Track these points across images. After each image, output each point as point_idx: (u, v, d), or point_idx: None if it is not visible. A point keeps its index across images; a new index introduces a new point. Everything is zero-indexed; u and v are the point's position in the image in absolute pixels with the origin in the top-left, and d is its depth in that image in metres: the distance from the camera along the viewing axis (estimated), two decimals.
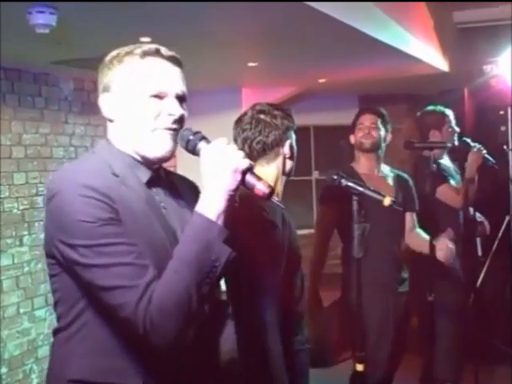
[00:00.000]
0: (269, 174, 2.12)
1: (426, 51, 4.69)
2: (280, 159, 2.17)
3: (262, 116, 2.16)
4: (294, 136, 2.20)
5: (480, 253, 4.36)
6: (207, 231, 1.30)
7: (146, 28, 3.10)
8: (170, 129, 1.44)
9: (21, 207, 4.08)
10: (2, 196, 3.95)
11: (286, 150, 2.16)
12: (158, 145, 1.45)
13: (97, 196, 1.33)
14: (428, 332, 3.47)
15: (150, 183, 1.48)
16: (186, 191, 1.60)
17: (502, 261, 4.25)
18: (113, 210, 1.33)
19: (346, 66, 4.77)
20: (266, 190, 1.35)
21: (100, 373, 1.40)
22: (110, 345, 1.39)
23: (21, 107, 4.09)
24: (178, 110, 1.45)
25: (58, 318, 1.46)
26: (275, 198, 2.04)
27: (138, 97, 1.44)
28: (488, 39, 4.65)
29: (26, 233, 4.11)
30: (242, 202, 1.70)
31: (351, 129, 3.21)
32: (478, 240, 4.35)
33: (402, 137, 3.45)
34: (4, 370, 3.93)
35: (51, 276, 1.46)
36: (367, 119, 3.16)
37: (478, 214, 3.79)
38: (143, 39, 3.20)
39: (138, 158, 1.48)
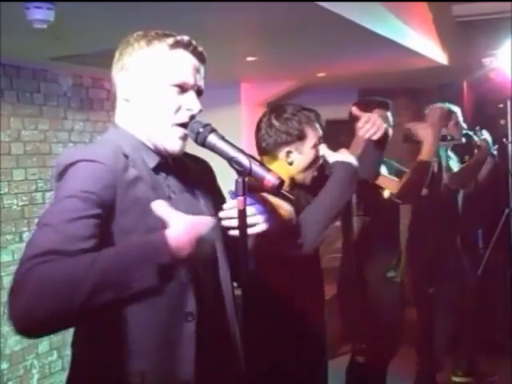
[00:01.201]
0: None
1: (425, 44, 4.68)
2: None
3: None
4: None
5: (481, 244, 4.37)
6: (153, 253, 1.20)
7: (144, 23, 3.09)
8: (185, 125, 1.44)
9: (20, 203, 4.08)
10: (2, 192, 3.95)
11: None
12: (172, 141, 1.46)
13: (107, 170, 1.33)
14: (426, 323, 3.49)
15: (158, 168, 1.48)
16: (199, 172, 1.60)
17: (503, 253, 4.26)
18: (112, 187, 1.33)
19: (345, 60, 4.76)
20: (276, 182, 1.35)
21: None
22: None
23: (19, 103, 4.09)
24: (197, 106, 1.46)
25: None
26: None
27: (160, 84, 1.44)
28: (487, 32, 4.64)
29: (25, 229, 4.11)
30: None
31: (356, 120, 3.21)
32: (479, 231, 4.37)
33: (401, 130, 3.44)
34: (5, 365, 3.93)
35: None
36: (388, 116, 3.19)
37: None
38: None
39: (149, 144, 1.48)
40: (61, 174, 1.36)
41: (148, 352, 1.39)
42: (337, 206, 2.05)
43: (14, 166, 4.05)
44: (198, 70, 1.49)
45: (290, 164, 2.22)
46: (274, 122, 2.22)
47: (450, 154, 3.95)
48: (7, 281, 3.97)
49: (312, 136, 2.21)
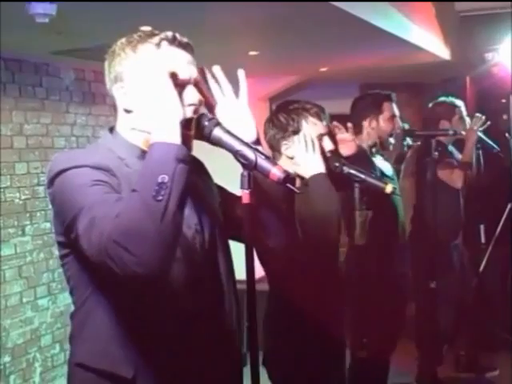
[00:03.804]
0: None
1: (428, 39, 4.67)
2: None
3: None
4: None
5: (483, 239, 4.37)
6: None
7: (146, 17, 3.08)
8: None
9: (22, 197, 4.09)
10: (4, 186, 3.96)
11: None
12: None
13: (101, 173, 1.34)
14: (427, 318, 3.49)
15: None
16: (195, 169, 1.59)
17: (505, 248, 4.26)
18: (112, 178, 1.35)
19: (347, 55, 4.75)
20: (282, 175, 1.34)
21: (94, 358, 1.41)
22: (109, 333, 1.40)
23: (22, 97, 4.09)
24: (196, 98, 1.44)
25: (74, 304, 1.50)
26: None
27: (158, 87, 1.40)
28: (490, 27, 4.63)
29: (27, 222, 4.11)
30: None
31: (371, 111, 3.22)
32: (482, 227, 4.36)
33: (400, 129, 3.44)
34: (7, 358, 3.95)
35: (63, 265, 1.48)
36: (394, 109, 3.22)
37: None
38: (143, 29, 3.19)
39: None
40: (51, 181, 1.37)
41: (149, 350, 1.39)
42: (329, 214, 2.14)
43: (17, 160, 4.05)
44: (189, 62, 1.47)
45: (291, 158, 2.24)
46: (274, 117, 2.30)
47: (452, 148, 3.94)
48: (9, 274, 3.98)
49: (308, 130, 2.23)
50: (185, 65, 1.45)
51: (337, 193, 2.17)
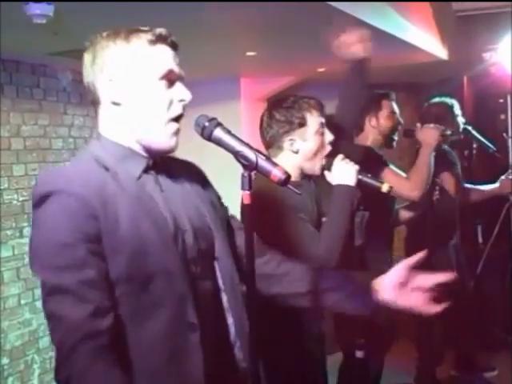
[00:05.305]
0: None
1: (425, 39, 4.67)
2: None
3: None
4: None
5: (480, 239, 4.37)
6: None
7: (143, 18, 3.08)
8: (178, 118, 1.44)
9: (20, 199, 4.08)
10: (2, 187, 3.95)
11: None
12: (166, 139, 1.44)
13: (79, 204, 1.31)
14: (426, 318, 3.48)
15: (148, 169, 1.46)
16: (190, 175, 1.58)
17: (502, 247, 4.26)
18: (93, 218, 1.32)
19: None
20: (282, 176, 1.35)
21: None
22: None
23: (19, 98, 4.08)
24: (187, 95, 1.45)
25: None
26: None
27: (149, 80, 1.41)
28: (487, 26, 4.63)
29: (25, 224, 4.10)
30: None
31: (370, 109, 3.23)
32: (479, 227, 4.36)
33: (401, 125, 3.45)
34: (6, 360, 3.94)
35: None
36: (393, 106, 3.24)
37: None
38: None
39: (136, 149, 1.46)
40: (36, 205, 1.35)
41: (155, 367, 1.37)
42: (343, 225, 2.18)
43: (14, 162, 4.05)
44: (175, 60, 1.48)
45: (296, 153, 2.25)
46: (275, 113, 2.28)
47: (449, 149, 3.93)
48: (7, 276, 3.97)
49: (313, 122, 2.25)
50: (174, 61, 1.47)
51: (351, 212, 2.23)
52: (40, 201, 1.34)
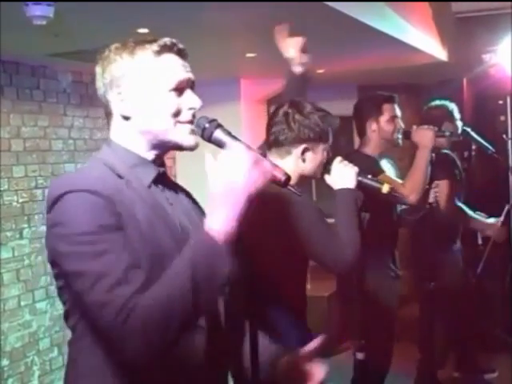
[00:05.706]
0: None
1: (425, 41, 4.67)
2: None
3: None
4: None
5: (480, 241, 4.36)
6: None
7: (143, 19, 3.09)
8: (190, 122, 1.43)
9: (20, 200, 4.08)
10: (2, 189, 3.95)
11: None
12: (184, 136, 1.44)
13: (100, 200, 1.29)
14: (427, 320, 3.48)
15: (156, 181, 1.46)
16: (187, 194, 1.59)
17: (502, 249, 4.26)
18: (115, 214, 1.30)
19: (345, 56, 4.75)
20: (282, 178, 1.35)
21: None
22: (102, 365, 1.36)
23: (19, 100, 4.08)
24: (197, 102, 1.44)
25: (72, 331, 1.43)
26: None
27: (158, 92, 1.41)
28: (487, 28, 4.64)
29: (25, 226, 4.11)
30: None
31: (371, 113, 3.22)
32: None
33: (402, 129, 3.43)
34: (6, 362, 3.94)
35: (59, 288, 1.42)
36: (395, 110, 3.21)
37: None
38: (141, 30, 3.18)
39: (147, 157, 1.46)
40: (51, 207, 1.32)
41: (161, 368, 1.34)
42: (355, 229, 2.20)
43: (14, 163, 4.05)
44: (185, 67, 1.46)
45: (303, 161, 2.22)
46: (298, 116, 2.21)
47: (451, 154, 3.94)
48: (7, 277, 3.97)
49: (329, 139, 2.25)
50: (183, 70, 1.45)
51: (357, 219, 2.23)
52: (56, 200, 1.31)
